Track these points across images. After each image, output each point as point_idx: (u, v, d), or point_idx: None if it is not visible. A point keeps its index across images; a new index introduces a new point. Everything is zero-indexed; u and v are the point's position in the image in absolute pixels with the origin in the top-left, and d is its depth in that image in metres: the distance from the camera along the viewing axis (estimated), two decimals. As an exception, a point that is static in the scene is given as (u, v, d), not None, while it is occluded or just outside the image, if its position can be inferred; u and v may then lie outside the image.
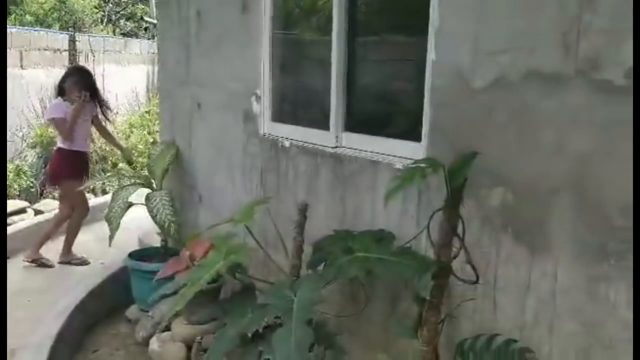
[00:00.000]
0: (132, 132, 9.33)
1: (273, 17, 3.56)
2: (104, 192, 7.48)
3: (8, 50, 7.92)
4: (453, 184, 1.94)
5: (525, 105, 2.14)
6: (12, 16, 10.27)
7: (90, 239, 6.19)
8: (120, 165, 7.78)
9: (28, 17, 10.19)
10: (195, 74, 4.33)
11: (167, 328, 3.72)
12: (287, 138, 3.48)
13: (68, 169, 5.22)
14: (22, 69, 8.28)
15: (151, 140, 8.59)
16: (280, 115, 3.63)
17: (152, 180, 4.30)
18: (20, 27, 8.59)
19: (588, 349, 2.01)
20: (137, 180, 4.35)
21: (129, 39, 12.25)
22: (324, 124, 3.23)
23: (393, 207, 2.76)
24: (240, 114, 3.86)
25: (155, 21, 14.97)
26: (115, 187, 7.54)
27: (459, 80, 2.36)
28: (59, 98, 5.27)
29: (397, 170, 2.72)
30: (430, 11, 2.50)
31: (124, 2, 16.30)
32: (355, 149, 3.04)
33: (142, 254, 4.37)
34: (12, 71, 8.00)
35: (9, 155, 7.70)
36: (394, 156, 2.80)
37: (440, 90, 2.47)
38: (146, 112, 10.04)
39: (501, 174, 2.22)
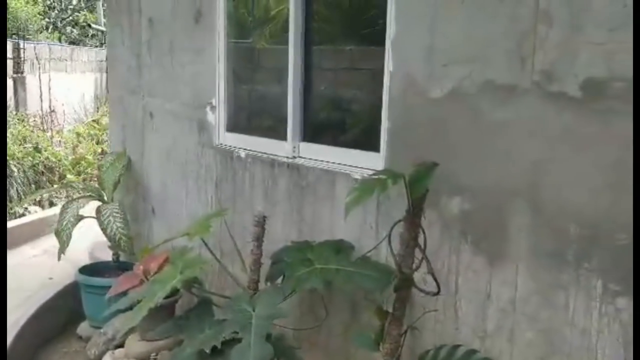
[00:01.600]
0: (79, 142, 9.07)
1: (227, 25, 3.51)
2: (52, 204, 7.23)
3: (-53, 57, 7.60)
4: (414, 194, 1.93)
5: (481, 115, 2.16)
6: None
7: (38, 253, 5.97)
8: (69, 176, 7.54)
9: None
10: (147, 83, 4.23)
11: (121, 345, 3.61)
12: (242, 148, 3.43)
13: None
14: (-37, 77, 7.94)
15: (100, 150, 8.37)
16: (236, 125, 3.57)
17: (103, 192, 4.16)
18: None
19: (547, 357, 2.03)
20: (87, 193, 4.20)
21: (76, 46, 11.94)
22: (280, 134, 3.19)
23: (352, 218, 2.74)
24: (195, 123, 3.78)
25: (102, 28, 14.66)
26: (63, 199, 7.33)
27: (416, 90, 2.37)
28: None
29: (355, 180, 2.71)
30: (387, 22, 2.51)
31: (69, 8, 15.92)
32: (313, 159, 3.01)
33: (93, 269, 4.22)
34: (-49, 79, 7.67)
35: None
36: (352, 166, 2.79)
37: (398, 101, 2.47)
38: (94, 121, 9.79)
39: (459, 182, 2.23)
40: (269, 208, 3.17)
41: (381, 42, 2.57)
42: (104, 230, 3.88)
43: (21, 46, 9.33)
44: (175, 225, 4.04)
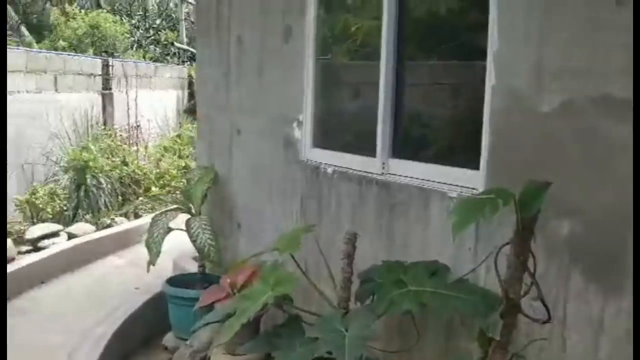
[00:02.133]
0: (163, 156, 9.35)
1: (317, 42, 3.51)
2: (137, 216, 7.46)
3: (43, 74, 8.03)
4: (524, 215, 1.82)
5: (596, 131, 2.03)
6: (46, 41, 10.45)
7: (124, 264, 6.15)
8: (153, 189, 7.77)
9: (62, 43, 10.36)
10: (234, 100, 4.29)
11: (206, 357, 3.63)
12: (329, 164, 3.40)
13: None
14: (57, 92, 8.37)
15: (183, 164, 8.59)
16: (323, 141, 3.55)
17: (191, 205, 4.23)
18: (55, 52, 8.72)
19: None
20: (176, 205, 4.29)
21: (160, 64, 12.38)
22: (369, 150, 3.14)
23: (447, 238, 2.65)
24: (281, 140, 3.79)
25: (184, 47, 15.18)
26: (148, 211, 7.56)
27: (522, 105, 2.26)
28: None
29: (451, 199, 2.62)
30: (488, 34, 2.42)
31: (153, 28, 16.57)
32: (403, 176, 2.94)
33: (179, 280, 4.30)
34: (46, 95, 8.10)
35: (42, 178, 7.76)
36: (447, 184, 2.70)
37: (501, 116, 2.37)
38: (177, 136, 10.07)
39: (570, 204, 2.10)
40: (356, 225, 3.12)
41: (480, 55, 2.48)
42: (193, 242, 3.94)
43: (110, 63, 9.75)
44: (260, 239, 4.06)
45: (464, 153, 2.71)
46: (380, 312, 2.50)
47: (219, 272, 4.19)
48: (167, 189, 8.01)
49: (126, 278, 5.59)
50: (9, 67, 7.29)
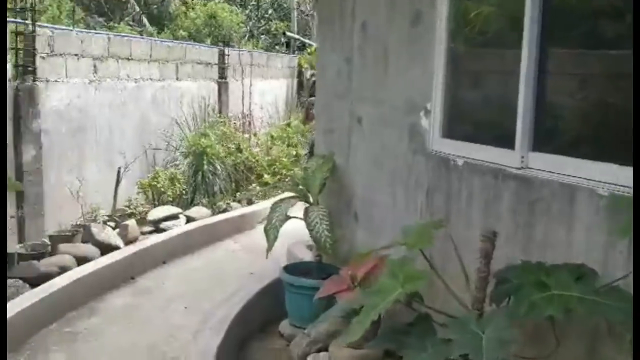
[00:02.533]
0: (273, 144, 9.50)
1: (449, 28, 3.35)
2: (249, 202, 7.62)
3: (166, 63, 8.36)
4: None
5: None
6: (167, 31, 10.89)
7: (238, 248, 6.30)
8: (266, 176, 7.91)
9: (182, 33, 10.76)
10: (356, 88, 4.22)
11: (323, 348, 3.61)
12: (459, 156, 3.24)
13: None
14: (177, 80, 8.70)
15: (294, 153, 8.68)
16: (453, 131, 3.39)
17: (308, 194, 4.22)
18: (177, 42, 9.06)
19: None
20: (292, 194, 4.30)
21: (272, 53, 12.58)
22: (506, 142, 2.95)
23: (595, 240, 2.44)
24: (406, 129, 3.67)
25: (296, 36, 15.35)
26: (261, 197, 7.70)
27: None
28: None
29: (601, 197, 2.40)
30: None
31: (264, 18, 16.90)
32: (545, 171, 2.73)
33: (295, 268, 4.30)
34: (168, 83, 8.43)
35: (162, 164, 8.10)
36: (596, 181, 2.47)
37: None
38: (287, 124, 10.20)
39: None
40: (489, 222, 2.95)
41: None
42: (310, 230, 3.93)
43: (226, 52, 10.01)
44: (379, 232, 3.98)
45: (615, 148, 2.47)
46: (520, 316, 2.34)
47: (335, 262, 4.17)
48: (279, 176, 8.12)
49: (241, 262, 5.72)
50: (136, 56, 7.66)
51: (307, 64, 13.70)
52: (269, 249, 3.95)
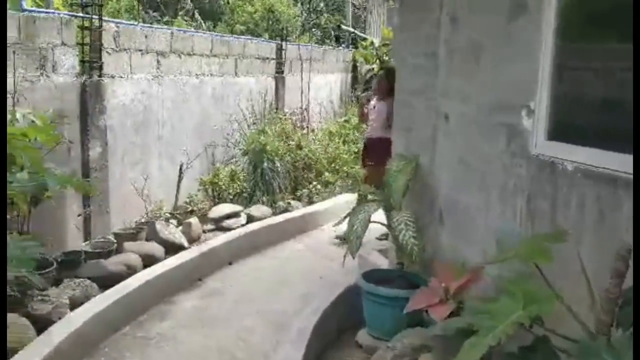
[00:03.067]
0: (330, 140, 9.27)
1: (559, 18, 3.05)
2: (310, 201, 7.43)
3: (226, 58, 8.24)
4: None
5: None
6: (222, 25, 10.79)
7: (302, 248, 6.12)
8: (327, 174, 7.70)
9: (239, 27, 10.64)
10: (442, 83, 3.95)
11: (410, 363, 3.38)
12: (569, 160, 2.95)
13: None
14: (236, 76, 8.57)
15: (354, 149, 8.45)
16: (561, 133, 3.10)
17: (391, 198, 3.99)
18: (237, 37, 8.93)
19: None
20: (376, 197, 4.08)
21: (327, 47, 12.37)
22: (626, 147, 2.65)
23: None
24: (502, 129, 3.39)
25: (352, 29, 15.08)
26: (321, 194, 7.50)
27: None
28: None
29: None
30: None
31: (317, 11, 16.68)
32: (678, 180, 2.43)
33: (374, 276, 4.09)
34: (228, 79, 8.31)
35: (221, 160, 7.99)
36: None
37: None
38: (345, 121, 9.97)
39: None
40: (605, 236, 2.66)
41: None
42: (394, 237, 3.70)
43: (283, 47, 9.84)
44: (467, 236, 3.72)
45: None
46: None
47: (417, 268, 3.94)
48: (339, 174, 7.90)
49: (308, 264, 5.54)
50: (197, 51, 7.55)
51: (363, 58, 13.44)
52: (352, 254, 3.74)
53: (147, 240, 6.23)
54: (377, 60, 13.28)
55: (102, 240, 5.79)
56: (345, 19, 14.40)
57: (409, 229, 3.65)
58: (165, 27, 7.60)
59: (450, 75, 3.88)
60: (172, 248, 6.00)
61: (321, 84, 11.41)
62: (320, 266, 5.32)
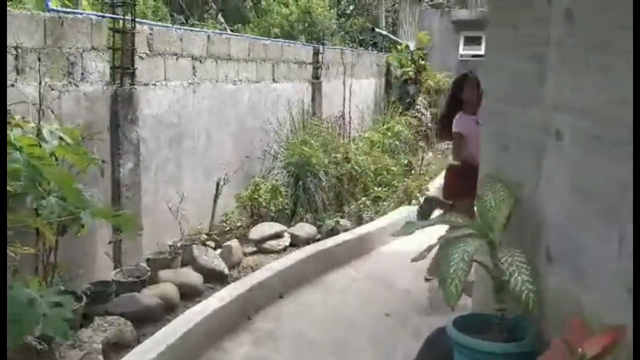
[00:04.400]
0: (372, 149, 8.58)
1: None
2: (359, 219, 6.77)
3: (263, 63, 7.62)
4: None
5: None
6: (253, 28, 10.19)
7: (360, 277, 5.46)
8: (377, 190, 7.03)
9: (274, 30, 10.01)
10: (551, 92, 3.26)
11: None
12: None
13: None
14: (274, 82, 7.95)
15: (405, 162, 7.78)
16: None
17: (490, 232, 3.31)
18: (275, 40, 8.31)
19: None
20: (471, 230, 3.39)
21: (361, 51, 11.73)
22: None
23: None
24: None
25: (385, 32, 14.43)
26: (370, 210, 6.83)
27: None
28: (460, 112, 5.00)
29: None
30: None
31: (345, 14, 16.06)
32: None
33: (467, 322, 3.40)
34: (265, 85, 7.69)
35: (259, 174, 7.36)
36: None
37: None
38: (386, 129, 9.29)
39: None
40: None
41: None
42: (502, 281, 3.02)
43: (320, 51, 9.20)
44: (587, 280, 3.02)
45: None
46: None
47: (519, 312, 3.26)
48: (388, 188, 7.23)
49: (369, 297, 4.89)
50: (234, 56, 6.95)
51: (397, 62, 12.78)
52: (450, 305, 3.05)
53: (183, 265, 5.63)
54: (413, 65, 12.63)
55: (135, 267, 5.19)
56: (378, 22, 13.75)
57: (521, 272, 2.96)
58: (201, 29, 6.99)
59: (563, 83, 3.20)
60: (212, 275, 5.39)
61: (356, 89, 10.75)
62: (383, 299, 4.67)
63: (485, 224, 3.36)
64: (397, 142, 9.30)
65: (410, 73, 12.29)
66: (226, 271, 5.47)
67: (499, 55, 3.70)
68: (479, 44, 16.43)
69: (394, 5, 17.43)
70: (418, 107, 12.08)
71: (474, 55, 16.32)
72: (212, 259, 5.51)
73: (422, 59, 12.37)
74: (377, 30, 12.99)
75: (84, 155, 3.53)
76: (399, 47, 12.74)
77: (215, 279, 5.39)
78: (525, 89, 3.41)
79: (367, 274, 5.39)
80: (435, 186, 8.12)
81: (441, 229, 3.55)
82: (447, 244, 3.19)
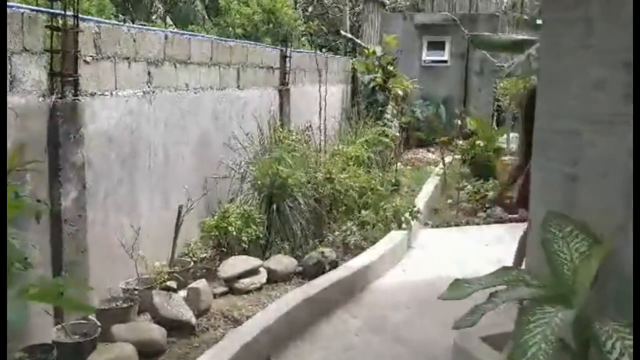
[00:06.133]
0: (348, 165, 7.68)
1: None
2: (346, 248, 5.87)
3: (227, 67, 6.65)
4: None
5: None
6: (216, 29, 9.19)
7: (364, 327, 4.52)
8: (364, 214, 6.16)
9: (237, 30, 9.02)
10: (646, 108, 2.48)
11: None
12: None
13: None
14: (239, 89, 6.98)
15: (391, 179, 6.93)
16: None
17: (574, 293, 2.48)
18: (239, 41, 7.34)
19: None
20: (542, 292, 2.54)
21: (329, 55, 10.88)
22: None
23: None
24: None
25: (350, 36, 13.61)
26: (356, 239, 5.96)
27: None
28: None
29: None
30: None
31: (306, 16, 15.20)
32: None
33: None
34: (229, 92, 6.72)
35: (227, 196, 6.39)
36: None
37: None
38: (365, 141, 8.45)
39: None
40: None
41: None
42: (605, 355, 2.20)
43: (288, 54, 8.29)
44: None
45: None
46: None
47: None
48: (375, 210, 6.36)
49: (374, 357, 3.98)
50: (195, 59, 5.96)
51: (363, 67, 11.98)
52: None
53: (140, 312, 4.64)
54: (381, 71, 11.86)
55: (81, 322, 4.16)
56: (340, 25, 12.92)
57: (626, 350, 2.15)
58: (157, 28, 5.96)
59: (668, 96, 2.41)
60: (177, 327, 4.43)
61: (323, 97, 9.87)
62: (396, 357, 3.78)
63: (564, 285, 2.52)
64: (373, 156, 8.48)
65: (379, 80, 11.51)
66: (193, 321, 4.50)
67: (559, 58, 2.88)
68: (442, 49, 15.87)
69: (353, 8, 16.68)
70: (387, 116, 11.31)
71: (436, 61, 15.77)
72: (177, 307, 4.52)
73: (391, 65, 11.61)
74: (342, 33, 12.17)
75: (17, 200, 2.51)
76: (366, 51, 11.94)
77: (181, 331, 4.43)
78: (611, 105, 2.60)
79: (367, 320, 4.49)
80: (421, 202, 7.35)
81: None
82: (526, 318, 2.34)
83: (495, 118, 14.72)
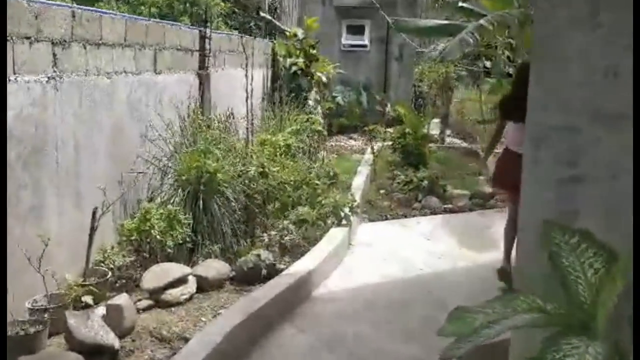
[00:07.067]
0: (275, 155, 7.15)
1: None
2: (283, 250, 5.37)
3: (142, 49, 5.93)
4: None
5: None
6: (126, 7, 8.31)
7: (318, 346, 4.04)
8: (302, 210, 5.66)
9: (150, 9, 8.20)
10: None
11: None
12: None
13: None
14: (156, 73, 6.27)
15: (329, 171, 6.47)
16: None
17: (593, 319, 2.12)
18: (155, 20, 6.58)
19: None
20: (559, 320, 2.17)
21: (251, 38, 10.24)
22: None
23: None
24: None
25: (269, 17, 12.94)
26: (293, 238, 5.48)
27: None
28: None
29: None
30: None
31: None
32: None
33: None
34: (146, 77, 6.01)
35: (147, 194, 5.72)
36: None
37: None
38: (296, 130, 7.93)
39: None
40: None
41: None
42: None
43: (207, 35, 7.60)
44: None
45: None
46: None
47: None
48: (316, 208, 5.88)
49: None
50: (107, 40, 5.22)
51: (284, 50, 11.44)
52: None
53: (52, 335, 3.96)
54: (303, 54, 11.37)
55: (-23, 357, 3.42)
56: (259, 5, 12.28)
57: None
58: (64, 4, 5.14)
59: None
60: (97, 353, 3.82)
61: (241, 81, 9.26)
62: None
63: (578, 308, 2.16)
64: (299, 145, 8.01)
65: (301, 64, 11.02)
66: (116, 344, 3.88)
67: (561, 43, 2.51)
68: (362, 33, 15.60)
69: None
70: (310, 102, 10.86)
71: (356, 45, 15.47)
72: (95, 328, 3.87)
73: (313, 48, 11.14)
74: (261, 14, 11.57)
75: None
76: (287, 34, 11.40)
77: (102, 357, 3.81)
78: (624, 96, 2.25)
79: (322, 336, 4.01)
80: (357, 195, 6.97)
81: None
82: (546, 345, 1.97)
83: (414, 103, 14.66)
